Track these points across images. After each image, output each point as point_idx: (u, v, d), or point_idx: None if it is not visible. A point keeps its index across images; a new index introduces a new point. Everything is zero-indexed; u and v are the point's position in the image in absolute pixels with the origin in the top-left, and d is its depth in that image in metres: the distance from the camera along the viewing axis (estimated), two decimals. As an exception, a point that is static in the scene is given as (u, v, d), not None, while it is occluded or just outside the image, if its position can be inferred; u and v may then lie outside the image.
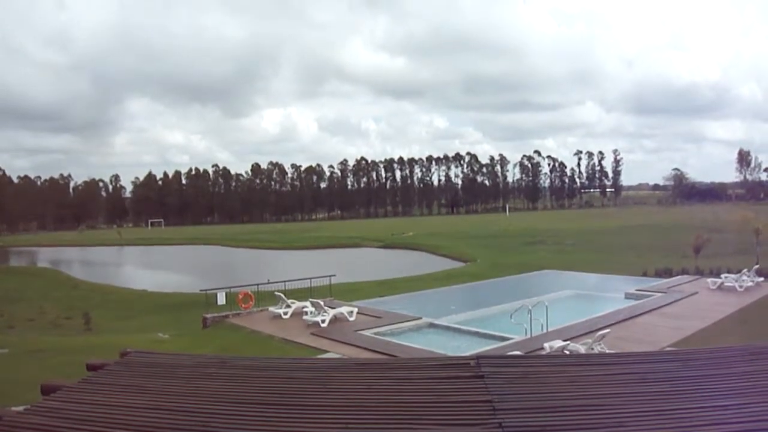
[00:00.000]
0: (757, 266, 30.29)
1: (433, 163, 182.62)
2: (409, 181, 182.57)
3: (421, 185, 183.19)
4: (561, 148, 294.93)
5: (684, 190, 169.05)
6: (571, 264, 40.36)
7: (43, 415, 4.60)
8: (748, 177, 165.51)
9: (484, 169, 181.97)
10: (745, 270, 28.78)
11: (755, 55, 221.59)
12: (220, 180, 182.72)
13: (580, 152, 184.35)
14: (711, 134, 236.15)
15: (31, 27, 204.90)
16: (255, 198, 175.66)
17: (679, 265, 35.61)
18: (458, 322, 22.61)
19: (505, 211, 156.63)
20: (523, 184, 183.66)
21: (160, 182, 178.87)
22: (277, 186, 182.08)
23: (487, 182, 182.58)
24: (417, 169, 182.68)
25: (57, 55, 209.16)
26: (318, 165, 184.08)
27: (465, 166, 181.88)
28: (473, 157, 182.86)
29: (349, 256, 64.29)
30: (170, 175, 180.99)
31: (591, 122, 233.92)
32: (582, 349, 15.92)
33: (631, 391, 4.50)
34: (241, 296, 25.29)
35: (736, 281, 27.86)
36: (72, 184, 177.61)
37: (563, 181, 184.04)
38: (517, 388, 4.58)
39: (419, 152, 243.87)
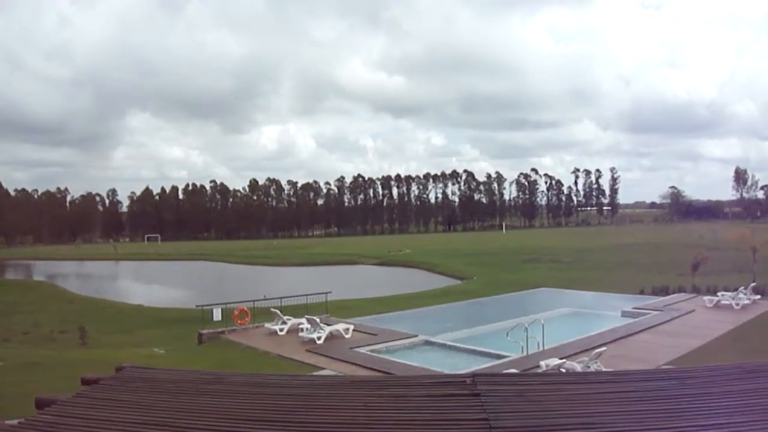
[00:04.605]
0: (753, 284, 30.33)
1: (431, 180, 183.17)
2: (406, 199, 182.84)
3: (418, 203, 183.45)
4: (558, 166, 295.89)
5: (681, 208, 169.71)
6: (568, 282, 40.36)
7: (38, 429, 4.58)
8: (745, 195, 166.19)
9: (481, 187, 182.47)
10: (741, 288, 28.84)
11: (750, 74, 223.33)
12: (218, 196, 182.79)
13: (578, 170, 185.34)
14: (707, 152, 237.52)
15: (33, 42, 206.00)
16: (252, 214, 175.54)
17: (676, 283, 35.63)
18: (454, 340, 22.55)
19: (502, 228, 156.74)
20: (520, 201, 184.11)
21: (157, 197, 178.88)
22: (274, 202, 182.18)
23: (484, 200, 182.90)
24: (414, 187, 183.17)
25: (58, 70, 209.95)
26: (315, 182, 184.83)
27: (462, 183, 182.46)
28: (470, 175, 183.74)
29: (346, 274, 64.15)
30: (167, 190, 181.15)
31: (588, 140, 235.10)
32: (578, 368, 15.88)
33: (628, 410, 4.48)
34: (237, 312, 25.24)
35: (733, 299, 27.89)
36: (69, 198, 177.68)
37: (560, 199, 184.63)
38: (514, 407, 4.57)
39: (416, 169, 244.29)
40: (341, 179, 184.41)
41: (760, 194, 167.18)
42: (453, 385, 5.25)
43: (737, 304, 27.56)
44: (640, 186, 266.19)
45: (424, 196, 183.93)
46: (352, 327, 23.82)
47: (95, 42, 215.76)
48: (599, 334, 22.37)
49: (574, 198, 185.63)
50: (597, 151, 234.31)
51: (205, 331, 24.54)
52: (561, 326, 24.40)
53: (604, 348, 17.83)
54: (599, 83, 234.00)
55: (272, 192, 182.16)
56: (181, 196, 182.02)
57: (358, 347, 21.38)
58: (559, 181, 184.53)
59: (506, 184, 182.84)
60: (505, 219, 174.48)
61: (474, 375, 5.32)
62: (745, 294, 28.51)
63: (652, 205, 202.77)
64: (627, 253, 62.38)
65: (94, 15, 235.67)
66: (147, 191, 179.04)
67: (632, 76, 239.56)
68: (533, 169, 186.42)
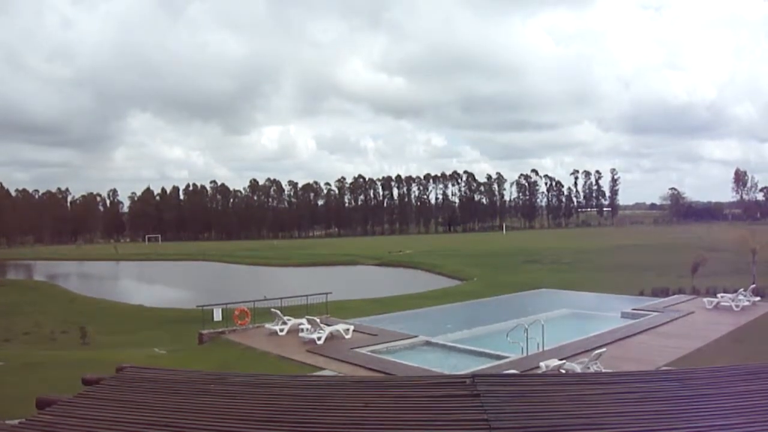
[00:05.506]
0: (753, 286, 30.30)
1: (431, 181, 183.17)
2: (406, 200, 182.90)
3: (419, 203, 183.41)
4: (558, 168, 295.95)
5: (681, 210, 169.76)
6: (568, 283, 40.32)
7: (38, 429, 4.59)
8: (745, 197, 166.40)
9: (482, 188, 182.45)
10: (741, 290, 28.81)
11: (749, 76, 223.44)
12: (218, 196, 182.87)
13: (577, 171, 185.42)
14: (707, 154, 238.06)
15: (34, 42, 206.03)
16: (252, 214, 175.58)
17: (676, 284, 35.61)
18: (454, 341, 22.54)
19: (502, 229, 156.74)
20: (520, 202, 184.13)
21: (158, 197, 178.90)
22: (275, 203, 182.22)
23: (484, 201, 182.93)
24: (414, 188, 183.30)
25: (59, 70, 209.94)
26: (315, 182, 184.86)
27: (462, 184, 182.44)
28: (470, 176, 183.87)
29: (346, 274, 64.19)
30: (168, 191, 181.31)
31: (588, 142, 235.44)
32: (578, 368, 15.89)
33: (627, 411, 4.49)
34: (237, 312, 25.23)
35: (733, 301, 27.88)
36: (69, 198, 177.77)
37: (560, 200, 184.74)
38: (513, 407, 4.58)
39: (417, 170, 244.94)
40: (342, 180, 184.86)
41: (760, 196, 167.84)
42: (453, 385, 5.27)
43: (737, 306, 27.55)
44: (640, 187, 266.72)
45: (425, 196, 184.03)
46: (352, 327, 23.81)
47: (96, 43, 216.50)
48: (599, 335, 22.36)
49: (574, 199, 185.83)
50: (597, 153, 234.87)
51: (205, 332, 24.52)
52: (561, 327, 24.39)
53: (603, 349, 17.82)
54: (599, 84, 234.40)
55: (273, 192, 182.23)
56: (181, 196, 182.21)
57: (358, 348, 21.37)
58: (559, 182, 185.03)
59: (506, 185, 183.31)
60: (506, 220, 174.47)
61: (474, 376, 5.33)
62: (745, 296, 28.50)
63: (652, 206, 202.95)
64: (627, 254, 62.37)
65: (96, 16, 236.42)
66: (148, 191, 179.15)
67: (632, 77, 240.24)
68: (533, 170, 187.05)
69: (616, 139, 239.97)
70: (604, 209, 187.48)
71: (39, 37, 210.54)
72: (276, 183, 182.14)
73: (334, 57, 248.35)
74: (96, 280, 67.48)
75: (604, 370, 15.16)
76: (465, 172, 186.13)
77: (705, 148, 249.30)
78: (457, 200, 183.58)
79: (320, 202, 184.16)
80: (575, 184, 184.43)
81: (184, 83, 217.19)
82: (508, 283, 42.41)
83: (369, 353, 20.64)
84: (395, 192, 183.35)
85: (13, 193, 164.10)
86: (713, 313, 27.33)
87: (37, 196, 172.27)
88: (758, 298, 29.38)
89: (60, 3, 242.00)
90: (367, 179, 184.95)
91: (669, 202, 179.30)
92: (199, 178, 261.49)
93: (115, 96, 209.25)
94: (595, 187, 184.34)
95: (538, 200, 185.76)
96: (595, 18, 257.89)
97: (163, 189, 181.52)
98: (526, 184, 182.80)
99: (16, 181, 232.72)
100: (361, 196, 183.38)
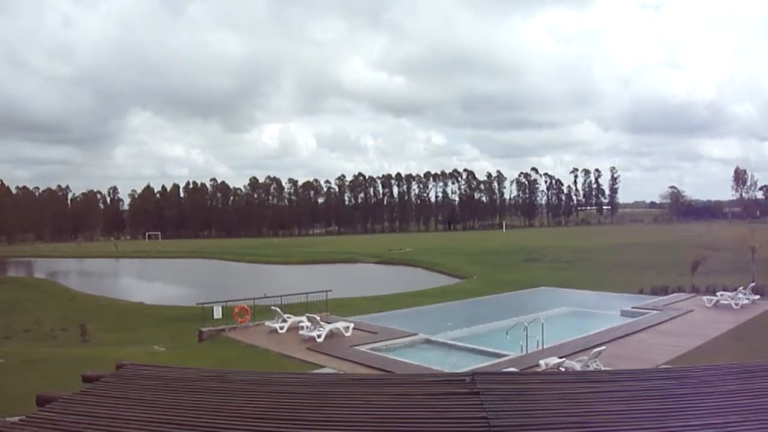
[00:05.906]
0: (752, 284, 30.30)
1: (431, 179, 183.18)
2: (406, 198, 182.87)
3: (419, 201, 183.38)
4: (558, 166, 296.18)
5: (680, 208, 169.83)
6: (568, 281, 40.33)
7: (39, 426, 4.60)
8: (744, 195, 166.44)
9: (482, 186, 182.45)
10: (740, 288, 28.83)
11: (749, 75, 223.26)
12: (218, 194, 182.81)
13: (577, 170, 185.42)
14: (707, 152, 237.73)
15: (35, 41, 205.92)
16: (252, 212, 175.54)
17: (675, 282, 35.59)
18: (454, 339, 22.54)
19: (502, 227, 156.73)
20: (520, 201, 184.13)
21: (158, 195, 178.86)
22: (275, 201, 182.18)
23: (484, 199, 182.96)
24: (414, 186, 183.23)
25: (60, 68, 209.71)
26: (316, 180, 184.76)
27: (462, 182, 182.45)
28: (471, 174, 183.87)
29: (346, 272, 64.23)
30: (168, 189, 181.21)
31: (588, 140, 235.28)
32: (577, 367, 15.90)
33: (626, 409, 4.51)
34: (237, 310, 25.24)
35: (732, 299, 27.89)
36: (70, 196, 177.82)
37: (560, 199, 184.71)
38: (513, 405, 4.59)
39: (417, 168, 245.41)
40: (342, 178, 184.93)
41: (760, 194, 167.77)
42: (452, 383, 5.28)
43: (736, 304, 27.57)
44: (640, 186, 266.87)
45: (425, 195, 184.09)
46: (352, 325, 23.83)
47: (97, 41, 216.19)
48: (598, 334, 22.36)
49: (574, 197, 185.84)
50: (597, 151, 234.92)
51: (205, 329, 24.53)
52: (560, 325, 24.40)
53: (603, 347, 17.83)
54: (599, 83, 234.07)
55: (273, 190, 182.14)
56: (182, 194, 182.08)
57: (358, 345, 21.37)
58: (558, 181, 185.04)
59: (506, 184, 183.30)
60: (505, 218, 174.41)
61: (473, 374, 5.35)
62: (744, 294, 28.52)
63: (652, 204, 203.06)
64: (626, 252, 62.32)
65: (96, 14, 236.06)
66: (148, 189, 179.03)
67: (632, 76, 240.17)
68: (533, 169, 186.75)
69: (615, 137, 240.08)
70: (604, 207, 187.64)
71: (39, 36, 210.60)
72: (276, 181, 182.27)
73: (334, 56, 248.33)
74: (96, 278, 67.48)
75: (603, 369, 15.17)
76: (465, 170, 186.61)
77: (705, 146, 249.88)
78: (457, 198, 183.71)
79: (320, 200, 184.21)
80: (575, 182, 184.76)
81: (184, 81, 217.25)
82: (508, 282, 42.41)
83: (369, 351, 20.65)
84: (395, 190, 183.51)
85: (14, 191, 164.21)
86: (713, 311, 27.34)
87: (37, 194, 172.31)
88: (758, 297, 29.40)
89: (60, 2, 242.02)
90: (367, 177, 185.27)
91: (669, 201, 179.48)
92: (200, 175, 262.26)
93: (116, 94, 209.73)
94: (594, 186, 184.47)
95: (538, 198, 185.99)
96: (595, 17, 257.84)
97: (163, 187, 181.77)
98: (526, 183, 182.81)
99: (17, 178, 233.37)
100: (361, 194, 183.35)
